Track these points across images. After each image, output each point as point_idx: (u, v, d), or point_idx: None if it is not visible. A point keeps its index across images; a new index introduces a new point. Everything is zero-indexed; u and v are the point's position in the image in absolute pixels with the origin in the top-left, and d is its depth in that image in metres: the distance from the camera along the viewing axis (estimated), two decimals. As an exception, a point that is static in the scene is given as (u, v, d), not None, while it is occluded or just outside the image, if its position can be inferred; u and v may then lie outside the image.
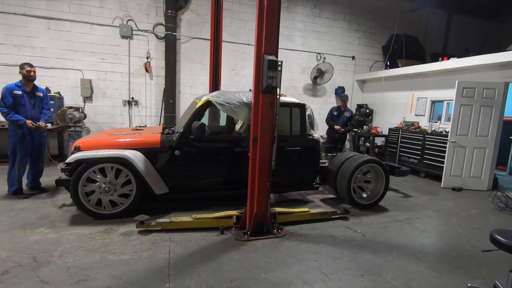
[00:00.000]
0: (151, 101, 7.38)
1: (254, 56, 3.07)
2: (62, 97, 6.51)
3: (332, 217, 3.84)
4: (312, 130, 4.46)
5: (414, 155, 6.74)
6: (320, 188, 4.59)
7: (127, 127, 6.21)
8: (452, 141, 5.59)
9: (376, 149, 7.91)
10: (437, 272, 2.70)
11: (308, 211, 3.73)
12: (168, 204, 4.01)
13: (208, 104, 3.89)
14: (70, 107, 6.39)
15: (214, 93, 4.26)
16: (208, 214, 3.39)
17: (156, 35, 7.16)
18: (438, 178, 6.08)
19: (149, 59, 7.15)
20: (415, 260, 2.90)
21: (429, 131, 6.47)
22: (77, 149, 3.52)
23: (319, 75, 8.45)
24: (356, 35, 9.03)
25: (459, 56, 6.39)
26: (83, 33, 6.64)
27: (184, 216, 3.47)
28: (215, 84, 6.15)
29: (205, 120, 4.82)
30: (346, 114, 6.77)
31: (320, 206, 4.36)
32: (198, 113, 3.86)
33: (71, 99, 6.74)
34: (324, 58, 8.66)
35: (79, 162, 3.30)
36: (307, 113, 4.37)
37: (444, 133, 6.17)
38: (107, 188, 3.42)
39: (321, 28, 8.61)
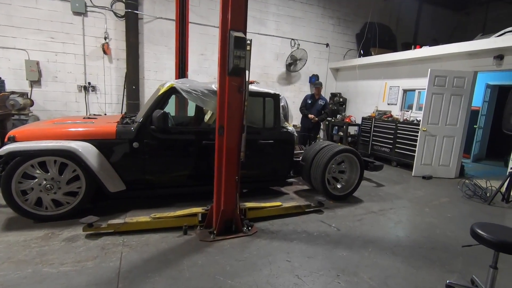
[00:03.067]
0: (111, 86, 6.70)
1: (219, 33, 2.69)
2: (3, 80, 5.67)
3: (306, 210, 3.63)
4: (286, 123, 4.18)
5: (386, 144, 6.74)
6: (293, 180, 4.37)
7: (75, 116, 5.52)
8: (423, 130, 5.60)
9: (349, 138, 7.86)
10: (413, 267, 2.57)
11: (281, 205, 3.48)
12: (126, 202, 3.57)
13: (172, 91, 3.46)
14: (13, 92, 5.59)
15: (180, 80, 3.82)
16: (169, 213, 3.02)
17: (115, 13, 6.44)
18: (409, 166, 6.12)
19: (107, 40, 6.44)
20: (391, 255, 2.75)
21: (401, 120, 6.47)
22: (11, 139, 2.96)
23: (293, 62, 8.18)
24: (331, 21, 8.82)
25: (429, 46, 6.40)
26: (27, 7, 5.78)
27: (143, 215, 3.07)
28: (181, 70, 5.65)
29: (171, 109, 4.37)
30: (320, 102, 6.58)
31: (294, 198, 4.14)
32: (160, 101, 3.42)
33: (15, 83, 5.91)
34: (299, 44, 8.37)
35: (12, 154, 2.77)
36: (281, 104, 4.07)
37: (415, 122, 6.19)
38: (49, 186, 2.91)
39: (295, 13, 8.28)
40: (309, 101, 6.59)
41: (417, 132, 5.86)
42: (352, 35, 9.21)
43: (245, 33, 2.67)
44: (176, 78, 5.66)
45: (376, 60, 7.45)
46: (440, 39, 9.91)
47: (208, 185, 3.70)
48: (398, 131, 6.43)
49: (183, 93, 3.45)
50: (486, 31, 8.39)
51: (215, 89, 3.58)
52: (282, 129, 4.07)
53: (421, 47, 6.40)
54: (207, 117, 4.12)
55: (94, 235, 2.77)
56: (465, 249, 2.90)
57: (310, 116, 6.40)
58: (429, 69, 5.48)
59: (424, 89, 6.37)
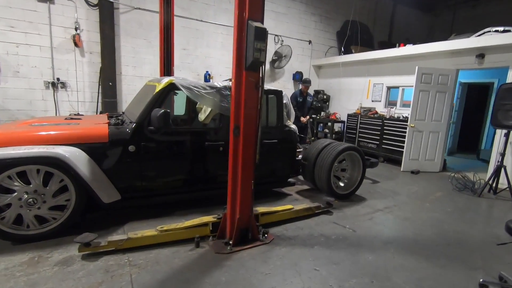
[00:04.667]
0: (83, 83, 6.04)
1: (235, 23, 2.42)
2: (-48, 75, 4.85)
3: (316, 212, 3.49)
4: (288, 121, 4.01)
5: (373, 140, 6.86)
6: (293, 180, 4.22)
7: (55, 116, 4.89)
8: (411, 126, 5.75)
9: (334, 135, 7.91)
10: (439, 266, 2.53)
11: (292, 208, 3.30)
12: (119, 214, 3.17)
13: (171, 87, 3.12)
14: (-34, 89, 4.80)
15: (173, 76, 3.47)
16: (177, 224, 2.70)
17: (87, 1, 5.80)
18: (396, 162, 6.27)
19: (78, 31, 5.78)
20: (413, 254, 2.70)
21: (388, 117, 6.61)
22: None
23: (278, 59, 8.03)
24: (313, 18, 8.79)
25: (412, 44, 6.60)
26: (-20, -10, 4.98)
27: (143, 227, 2.73)
28: (167, 65, 5.24)
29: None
30: (309, 99, 6.52)
31: (298, 199, 3.99)
32: (159, 99, 3.07)
33: (-33, 78, 5.09)
34: (282, 41, 8.23)
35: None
36: (284, 101, 3.89)
37: (401, 118, 6.35)
38: (31, 200, 2.45)
39: (278, 8, 8.11)
40: (300, 99, 6.49)
41: (404, 128, 6.01)
42: (333, 32, 9.28)
43: (263, 23, 2.43)
44: (161, 75, 5.25)
45: (360, 57, 7.54)
46: (412, 39, 10.37)
47: (211, 190, 3.47)
48: (385, 128, 6.56)
49: (184, 90, 3.12)
50: (455, 32, 8.91)
51: (218, 85, 3.32)
52: (285, 128, 3.90)
53: (405, 45, 6.57)
54: (202, 116, 3.80)
55: (91, 255, 2.38)
56: (478, 244, 2.95)
57: (303, 120, 6.35)
58: (417, 67, 5.62)
59: (408, 86, 6.58)
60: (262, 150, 3.59)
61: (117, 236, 2.48)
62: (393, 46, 7.10)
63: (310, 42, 8.84)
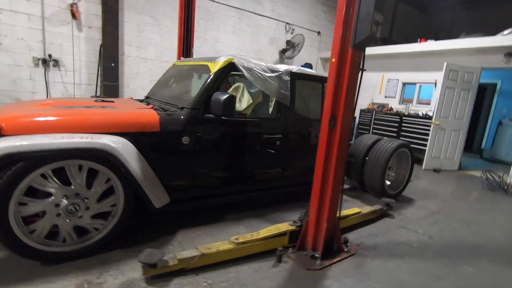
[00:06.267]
0: (80, 62, 5.19)
1: (342, -12, 1.96)
2: None
3: (379, 215, 3.16)
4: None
5: (389, 137, 6.69)
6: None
7: (78, 97, 4.01)
8: (436, 123, 5.63)
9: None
10: (542, 277, 2.31)
11: (360, 212, 2.93)
12: (163, 219, 2.61)
13: (230, 67, 2.57)
14: None
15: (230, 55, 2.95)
16: (252, 235, 2.21)
17: (87, -35, 4.95)
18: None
19: (76, 0, 4.91)
20: (509, 265, 2.46)
21: (406, 113, 6.47)
22: None
23: (289, 49, 7.58)
24: (323, 8, 8.44)
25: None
26: None
27: (200, 236, 2.26)
28: (186, 48, 4.61)
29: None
30: None
31: (347, 200, 3.63)
32: (217, 81, 2.51)
33: None
34: (293, 29, 7.80)
35: (10, 158, 1.61)
36: None
37: (421, 115, 6.23)
38: (72, 207, 1.84)
39: (291, -6, 7.66)
40: None
41: (425, 125, 5.90)
42: (340, 25, 8.99)
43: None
44: (179, 56, 4.61)
45: (375, 51, 7.32)
46: (411, 38, 10.43)
47: (266, 190, 3.01)
48: (403, 124, 6.42)
49: (244, 71, 2.60)
50: (459, 32, 9.04)
51: (280, 69, 2.84)
52: (337, 121, 3.51)
53: (426, 40, 6.44)
54: (243, 105, 3.31)
55: (157, 277, 1.83)
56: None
57: None
58: (445, 63, 5.47)
59: (426, 83, 6.47)
60: (313, 145, 3.19)
61: (187, 253, 1.94)
62: (397, 42, 6.98)
63: (319, 33, 8.49)
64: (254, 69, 2.65)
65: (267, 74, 2.71)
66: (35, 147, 1.66)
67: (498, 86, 7.85)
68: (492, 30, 5.64)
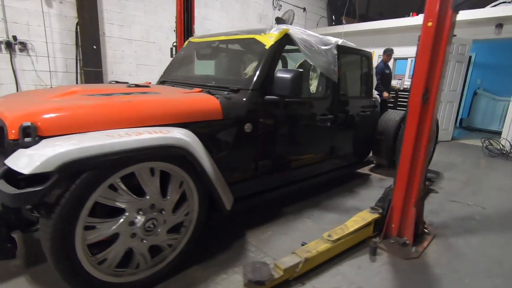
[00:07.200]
0: (53, 45, 4.35)
1: None
2: None
3: (427, 190, 3.11)
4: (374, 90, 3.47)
5: (385, 112, 6.78)
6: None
7: (113, 84, 3.22)
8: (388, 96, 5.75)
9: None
10: None
11: (415, 189, 2.83)
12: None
13: (286, 39, 2.20)
14: None
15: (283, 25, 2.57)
16: (341, 229, 1.96)
17: None
18: (412, 133, 6.32)
19: (42, -32, 4.03)
20: None
21: (401, 88, 6.56)
22: (28, 133, 1.23)
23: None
24: (308, -17, 8.11)
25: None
26: None
27: (272, 235, 1.94)
28: (187, 26, 4.07)
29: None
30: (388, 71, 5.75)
31: (384, 179, 3.54)
32: (275, 56, 2.14)
33: None
34: (280, 6, 7.41)
35: (74, 167, 1.14)
36: None
37: (416, 89, 6.34)
38: (150, 223, 1.41)
39: (276, -33, 7.20)
40: (387, 71, 5.68)
41: (422, 99, 6.03)
42: (323, 1, 8.77)
43: None
44: (180, 41, 4.07)
45: (364, 27, 7.26)
46: (386, 14, 10.59)
47: (321, 175, 2.76)
48: (399, 99, 6.51)
49: (299, 45, 2.26)
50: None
51: (331, 41, 2.55)
52: (372, 98, 3.35)
53: (417, 14, 6.47)
54: (313, 83, 3.03)
55: (264, 294, 1.51)
56: None
57: (386, 95, 5.57)
58: (442, 36, 5.53)
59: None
60: (354, 125, 3.02)
61: (288, 260, 1.63)
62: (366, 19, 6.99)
63: (304, 9, 8.19)
64: (308, 40, 2.32)
65: (323, 47, 2.40)
66: (103, 148, 1.20)
67: (473, 59, 8.29)
68: (482, 2, 5.80)
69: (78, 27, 4.42)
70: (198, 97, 1.86)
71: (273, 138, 2.19)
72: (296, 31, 2.27)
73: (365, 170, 3.81)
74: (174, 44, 4.34)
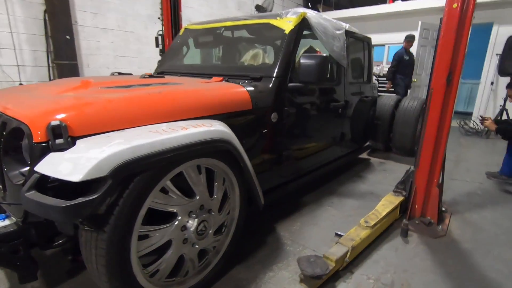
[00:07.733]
0: (18, 36, 3.84)
1: None
2: None
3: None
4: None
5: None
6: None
7: (126, 75, 2.75)
8: (414, 81, 6.02)
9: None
10: None
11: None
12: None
13: (304, 24, 2.12)
14: None
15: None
16: (373, 214, 1.96)
17: None
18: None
19: None
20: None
21: (381, 74, 6.76)
22: (59, 134, 1.02)
23: (259, 13, 7.02)
24: (284, -31, 7.99)
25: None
26: None
27: (298, 227, 1.93)
28: (174, 12, 3.82)
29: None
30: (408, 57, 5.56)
31: (385, 163, 3.63)
32: (295, 41, 2.05)
33: None
34: (259, -8, 7.23)
35: (127, 169, 0.98)
36: None
37: (395, 75, 6.58)
38: (202, 226, 1.29)
39: (253, -48, 6.98)
40: (406, 57, 5.48)
41: (400, 84, 6.28)
42: (299, -12, 8.72)
43: None
44: (167, 29, 3.82)
45: (340, 15, 7.33)
46: (357, 1, 10.83)
47: (334, 161, 2.76)
48: (379, 85, 6.71)
49: (316, 29, 2.20)
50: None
51: (343, 26, 2.52)
52: (372, 83, 3.40)
53: (393, 1, 6.66)
54: None
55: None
56: None
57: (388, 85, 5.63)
58: (420, 22, 5.77)
59: (394, 44, 6.82)
60: (359, 110, 3.04)
61: (335, 250, 1.59)
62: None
63: (282, -4, 8.08)
64: (326, 25, 2.26)
65: (337, 32, 2.35)
66: (154, 147, 1.05)
67: (440, 44, 8.78)
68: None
69: (46, 14, 3.94)
70: (227, 86, 1.72)
71: (296, 126, 2.12)
72: (313, 15, 2.20)
73: (363, 155, 3.89)
74: (160, 32, 4.04)
